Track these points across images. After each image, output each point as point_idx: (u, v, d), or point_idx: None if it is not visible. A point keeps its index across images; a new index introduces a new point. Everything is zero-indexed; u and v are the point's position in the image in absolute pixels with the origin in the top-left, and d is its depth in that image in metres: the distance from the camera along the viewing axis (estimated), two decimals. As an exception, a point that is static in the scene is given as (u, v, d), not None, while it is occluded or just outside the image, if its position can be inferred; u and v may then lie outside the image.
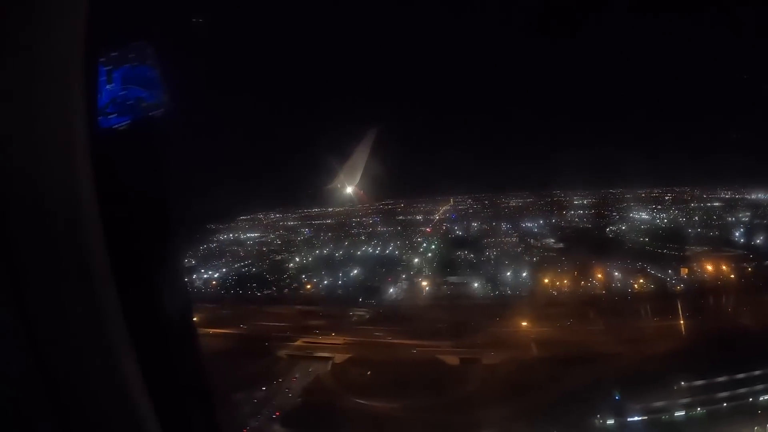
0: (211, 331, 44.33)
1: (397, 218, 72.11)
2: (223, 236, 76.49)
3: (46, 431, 2.43)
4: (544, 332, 34.63)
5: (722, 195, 50.02)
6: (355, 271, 57.48)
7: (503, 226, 63.40)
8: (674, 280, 40.40)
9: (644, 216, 53.61)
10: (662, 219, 51.46)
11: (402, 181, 62.49)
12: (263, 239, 74.72)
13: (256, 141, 63.27)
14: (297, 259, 66.20)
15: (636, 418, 26.38)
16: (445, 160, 62.73)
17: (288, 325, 43.99)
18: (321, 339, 40.37)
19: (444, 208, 71.20)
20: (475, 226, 64.93)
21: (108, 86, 2.92)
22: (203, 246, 72.58)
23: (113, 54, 2.94)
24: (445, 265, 53.47)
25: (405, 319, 40.88)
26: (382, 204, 72.04)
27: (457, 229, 66.00)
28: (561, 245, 51.52)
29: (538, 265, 47.78)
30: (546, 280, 43.39)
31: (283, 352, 39.56)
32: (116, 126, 2.92)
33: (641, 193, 57.86)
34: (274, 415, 30.83)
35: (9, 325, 2.35)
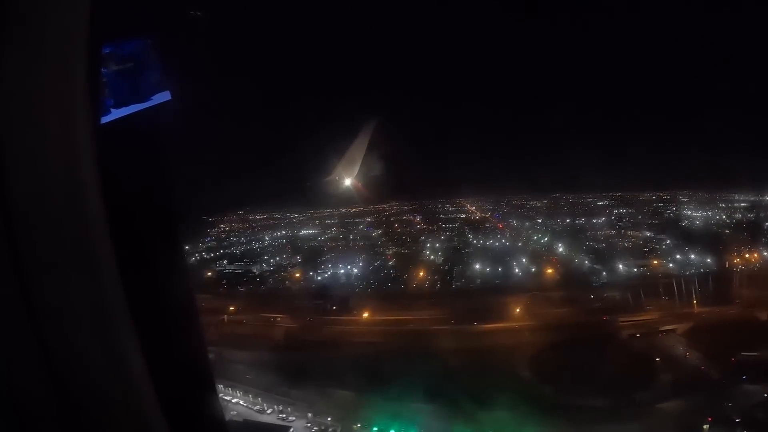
0: (512, 325, 45.85)
1: (440, 216, 76.70)
2: (271, 233, 70.81)
3: (52, 425, 2.51)
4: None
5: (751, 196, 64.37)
6: (523, 261, 61.24)
7: (570, 222, 70.63)
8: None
9: (694, 213, 68.22)
10: (717, 215, 65.66)
11: (411, 184, 67.75)
12: (325, 236, 71.57)
13: (263, 139, 60.95)
14: (428, 254, 66.79)
15: None
16: (455, 163, 69.70)
17: (570, 310, 47.87)
18: (631, 317, 45.60)
19: (473, 208, 77.86)
20: (540, 223, 71.04)
21: (110, 78, 2.98)
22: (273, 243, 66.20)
23: (116, 46, 3.03)
24: (597, 253, 60.80)
25: (663, 295, 48.13)
26: (395, 205, 77.09)
27: (533, 225, 71.54)
28: (662, 236, 66.22)
29: (677, 250, 58.20)
30: (719, 259, 54.24)
31: (623, 334, 43.84)
32: (119, 118, 2.98)
33: (663, 194, 72.30)
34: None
35: (14, 320, 2.41)
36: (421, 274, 59.40)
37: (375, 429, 32.03)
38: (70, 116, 2.43)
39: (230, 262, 62.53)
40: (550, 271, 58.65)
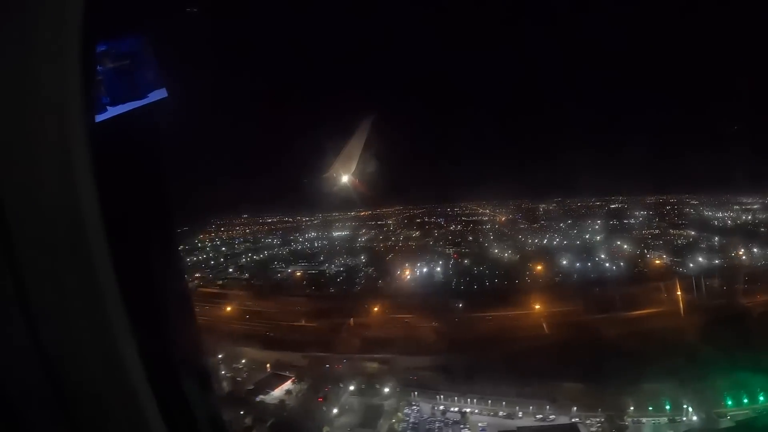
0: (659, 310, 43.01)
1: (463, 219, 73.50)
2: (300, 235, 66.76)
3: (50, 425, 2.51)
4: None
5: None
6: (601, 256, 59.14)
7: (603, 223, 68.53)
8: None
9: (718, 214, 69.97)
10: (742, 215, 67.89)
11: (416, 187, 67.22)
12: (362, 237, 67.04)
13: (262, 137, 58.32)
14: (496, 252, 62.37)
15: None
16: (459, 166, 70.44)
17: (694, 296, 45.47)
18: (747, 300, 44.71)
19: (487, 210, 75.01)
20: (573, 224, 69.56)
21: (106, 76, 2.94)
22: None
23: (111, 43, 2.97)
24: (662, 249, 60.22)
25: (755, 281, 47.65)
26: (400, 208, 73.58)
27: (568, 226, 69.57)
28: (705, 234, 68.92)
29: (732, 245, 58.65)
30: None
31: (755, 312, 42.38)
32: (114, 116, 2.95)
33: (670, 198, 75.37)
34: None
35: (10, 319, 2.40)
36: (513, 270, 54.79)
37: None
38: (65, 114, 2.41)
39: (287, 264, 53.92)
40: (638, 263, 57.31)
